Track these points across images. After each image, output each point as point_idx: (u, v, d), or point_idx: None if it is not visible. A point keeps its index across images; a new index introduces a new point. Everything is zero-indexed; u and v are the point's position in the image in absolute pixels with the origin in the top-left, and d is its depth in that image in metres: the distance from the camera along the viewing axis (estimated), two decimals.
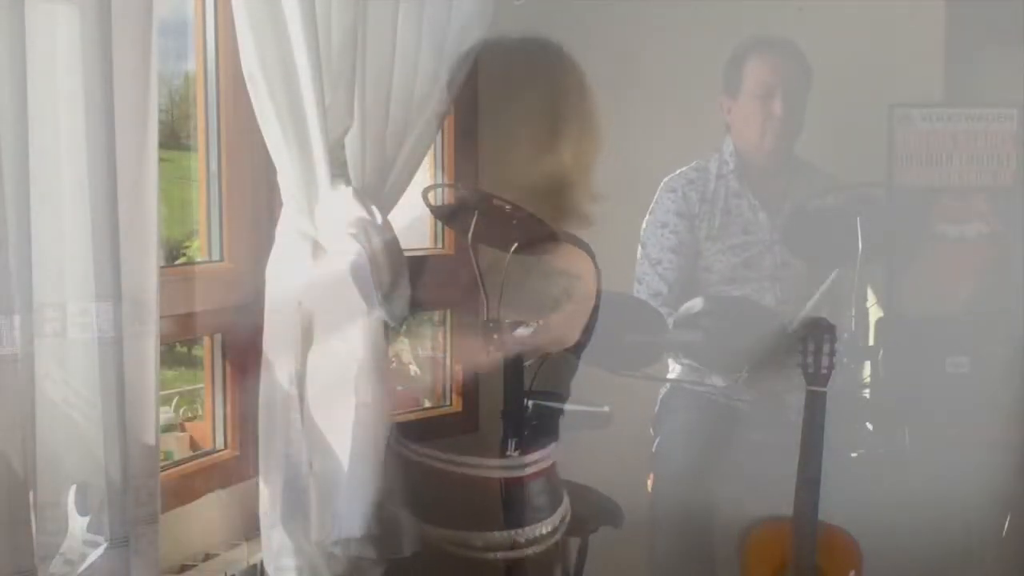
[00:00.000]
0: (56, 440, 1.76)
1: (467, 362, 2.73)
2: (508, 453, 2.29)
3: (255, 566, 2.38)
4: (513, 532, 2.29)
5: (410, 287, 2.39)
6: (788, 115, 3.20)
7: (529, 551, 2.33)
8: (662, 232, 3.29)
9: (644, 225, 3.33)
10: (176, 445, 2.75)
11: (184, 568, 2.32)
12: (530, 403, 2.32)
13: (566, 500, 2.46)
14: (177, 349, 2.88)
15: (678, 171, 3.33)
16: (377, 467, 2.33)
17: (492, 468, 2.35)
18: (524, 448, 2.28)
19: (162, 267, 1.96)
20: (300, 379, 2.31)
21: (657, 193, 3.33)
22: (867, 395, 3.34)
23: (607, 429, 2.84)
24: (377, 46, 2.34)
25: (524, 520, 2.30)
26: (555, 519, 2.39)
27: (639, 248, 3.32)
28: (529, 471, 2.31)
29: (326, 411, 2.32)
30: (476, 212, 2.34)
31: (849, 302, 3.10)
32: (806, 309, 3.09)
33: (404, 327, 3.42)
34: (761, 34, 3.25)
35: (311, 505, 2.32)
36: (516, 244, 2.35)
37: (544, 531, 2.35)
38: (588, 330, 2.44)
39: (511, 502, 2.30)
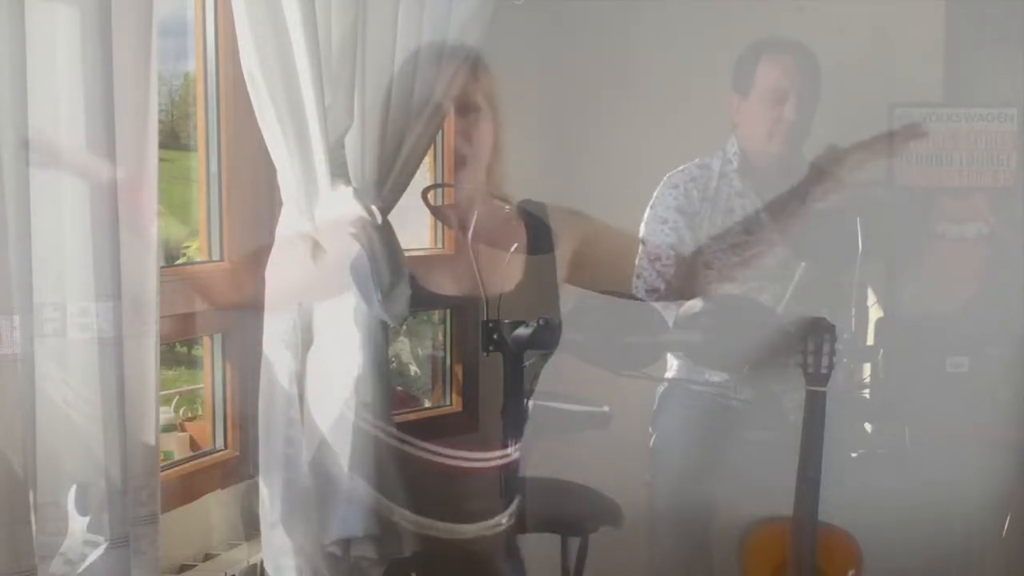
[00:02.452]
0: (56, 440, 1.76)
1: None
2: (508, 453, 2.29)
3: (255, 566, 2.38)
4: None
5: (410, 287, 2.39)
6: (799, 120, 3.18)
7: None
8: (662, 228, 3.27)
9: (644, 219, 3.32)
10: (176, 445, 2.75)
11: (184, 568, 2.32)
12: (530, 403, 2.32)
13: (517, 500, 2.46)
14: (177, 349, 2.88)
15: (680, 167, 3.32)
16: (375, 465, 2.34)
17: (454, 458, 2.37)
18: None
19: (162, 267, 1.96)
20: (300, 379, 2.31)
21: (658, 188, 3.32)
22: (867, 395, 3.34)
23: (607, 429, 2.85)
24: (377, 46, 2.34)
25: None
26: (500, 518, 2.40)
27: (640, 245, 3.31)
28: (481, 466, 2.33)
29: (326, 411, 2.32)
30: (476, 212, 2.34)
31: (849, 302, 3.10)
32: (783, 303, 3.10)
33: (404, 327, 3.43)
34: (776, 36, 3.23)
35: (311, 505, 2.32)
36: (516, 244, 2.36)
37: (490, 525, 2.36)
38: None
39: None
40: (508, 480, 2.30)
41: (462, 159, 2.62)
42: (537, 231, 2.65)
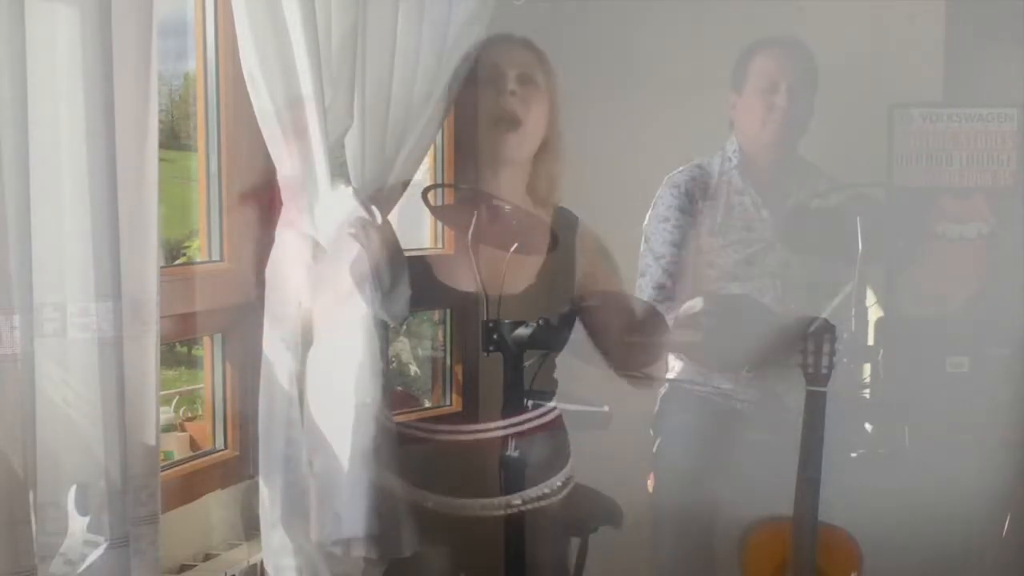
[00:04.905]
0: (56, 440, 1.76)
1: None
2: (508, 452, 2.29)
3: (255, 566, 2.38)
4: (506, 498, 2.30)
5: (410, 287, 2.39)
6: (791, 108, 3.19)
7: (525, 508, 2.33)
8: (664, 227, 3.28)
9: (646, 220, 3.33)
10: (176, 445, 2.75)
11: (184, 568, 2.32)
12: (530, 403, 2.32)
13: (570, 463, 2.45)
14: (177, 349, 2.88)
15: (680, 168, 3.33)
16: (376, 465, 2.33)
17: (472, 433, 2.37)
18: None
19: (162, 267, 1.96)
20: (300, 379, 2.31)
21: (660, 189, 3.33)
22: (867, 395, 3.34)
23: (607, 429, 2.85)
24: (377, 46, 2.34)
25: (518, 484, 2.29)
26: (554, 481, 2.39)
27: (642, 243, 3.32)
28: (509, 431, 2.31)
29: (326, 411, 2.32)
30: (476, 212, 2.34)
31: (849, 302, 3.10)
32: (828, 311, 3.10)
33: (404, 327, 3.43)
34: (772, 34, 3.26)
35: (311, 505, 2.32)
36: (516, 244, 2.36)
37: (543, 492, 2.35)
38: None
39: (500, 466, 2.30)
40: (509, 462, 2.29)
41: (515, 124, 2.65)
42: (536, 231, 2.65)
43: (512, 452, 2.28)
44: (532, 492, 2.30)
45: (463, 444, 2.43)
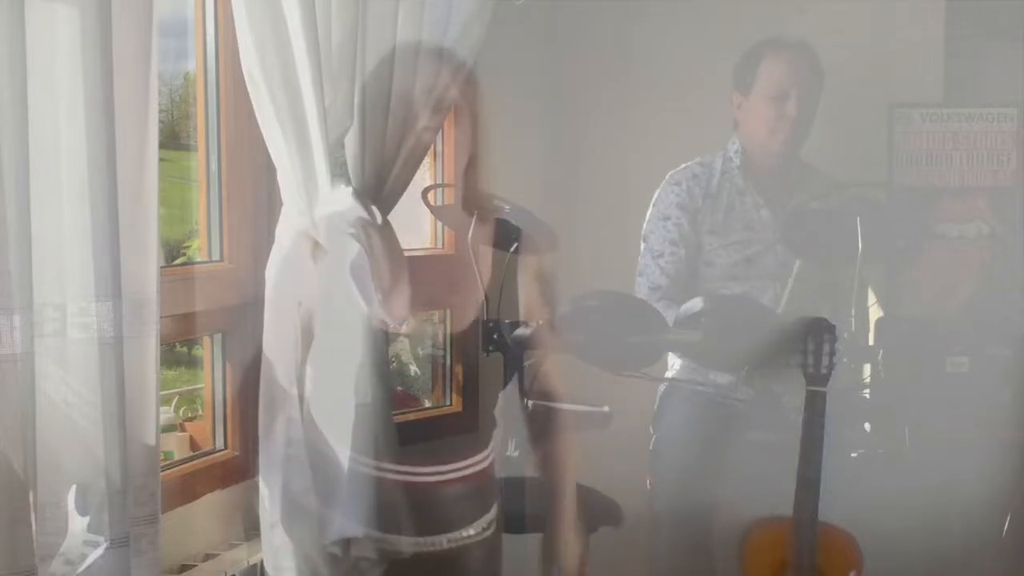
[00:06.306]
0: (56, 440, 1.76)
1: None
2: (508, 453, 2.29)
3: (255, 566, 2.38)
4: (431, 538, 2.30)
5: (410, 287, 2.39)
6: (800, 117, 3.19)
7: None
8: (664, 225, 3.27)
9: (647, 218, 3.32)
10: (176, 445, 2.75)
11: (184, 568, 2.32)
12: (530, 403, 2.32)
13: (495, 508, 2.45)
14: (177, 349, 2.89)
15: (682, 166, 3.33)
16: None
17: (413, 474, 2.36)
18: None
19: (162, 267, 1.96)
20: (300, 379, 2.31)
21: (660, 187, 3.32)
22: (867, 395, 3.34)
23: (607, 429, 2.86)
24: (377, 46, 2.34)
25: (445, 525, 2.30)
26: (480, 523, 2.39)
27: (641, 242, 3.31)
28: (444, 478, 2.32)
29: (326, 411, 2.32)
30: (476, 212, 2.35)
31: (849, 302, 3.10)
32: (782, 303, 3.11)
33: (404, 327, 3.43)
34: (779, 35, 3.24)
35: (311, 505, 2.32)
36: (516, 244, 2.36)
37: (467, 534, 2.35)
38: None
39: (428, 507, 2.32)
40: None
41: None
42: (536, 230, 2.65)
43: (512, 452, 2.29)
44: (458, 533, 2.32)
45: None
